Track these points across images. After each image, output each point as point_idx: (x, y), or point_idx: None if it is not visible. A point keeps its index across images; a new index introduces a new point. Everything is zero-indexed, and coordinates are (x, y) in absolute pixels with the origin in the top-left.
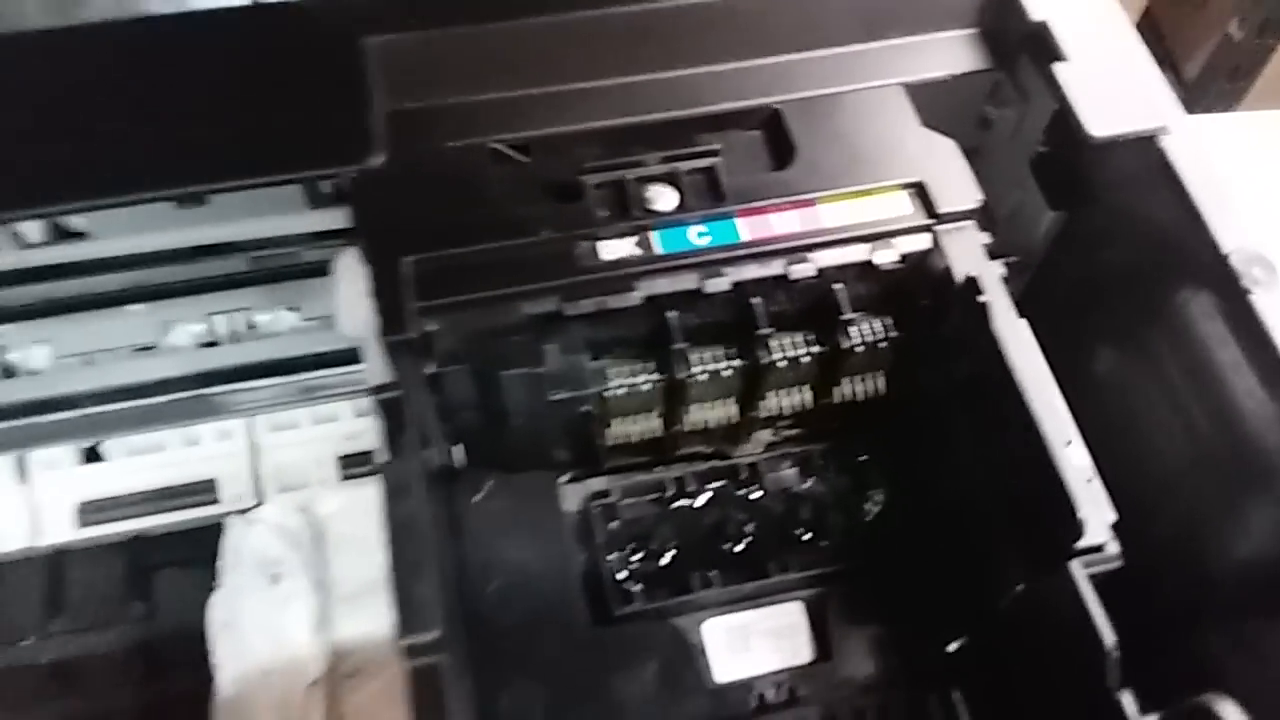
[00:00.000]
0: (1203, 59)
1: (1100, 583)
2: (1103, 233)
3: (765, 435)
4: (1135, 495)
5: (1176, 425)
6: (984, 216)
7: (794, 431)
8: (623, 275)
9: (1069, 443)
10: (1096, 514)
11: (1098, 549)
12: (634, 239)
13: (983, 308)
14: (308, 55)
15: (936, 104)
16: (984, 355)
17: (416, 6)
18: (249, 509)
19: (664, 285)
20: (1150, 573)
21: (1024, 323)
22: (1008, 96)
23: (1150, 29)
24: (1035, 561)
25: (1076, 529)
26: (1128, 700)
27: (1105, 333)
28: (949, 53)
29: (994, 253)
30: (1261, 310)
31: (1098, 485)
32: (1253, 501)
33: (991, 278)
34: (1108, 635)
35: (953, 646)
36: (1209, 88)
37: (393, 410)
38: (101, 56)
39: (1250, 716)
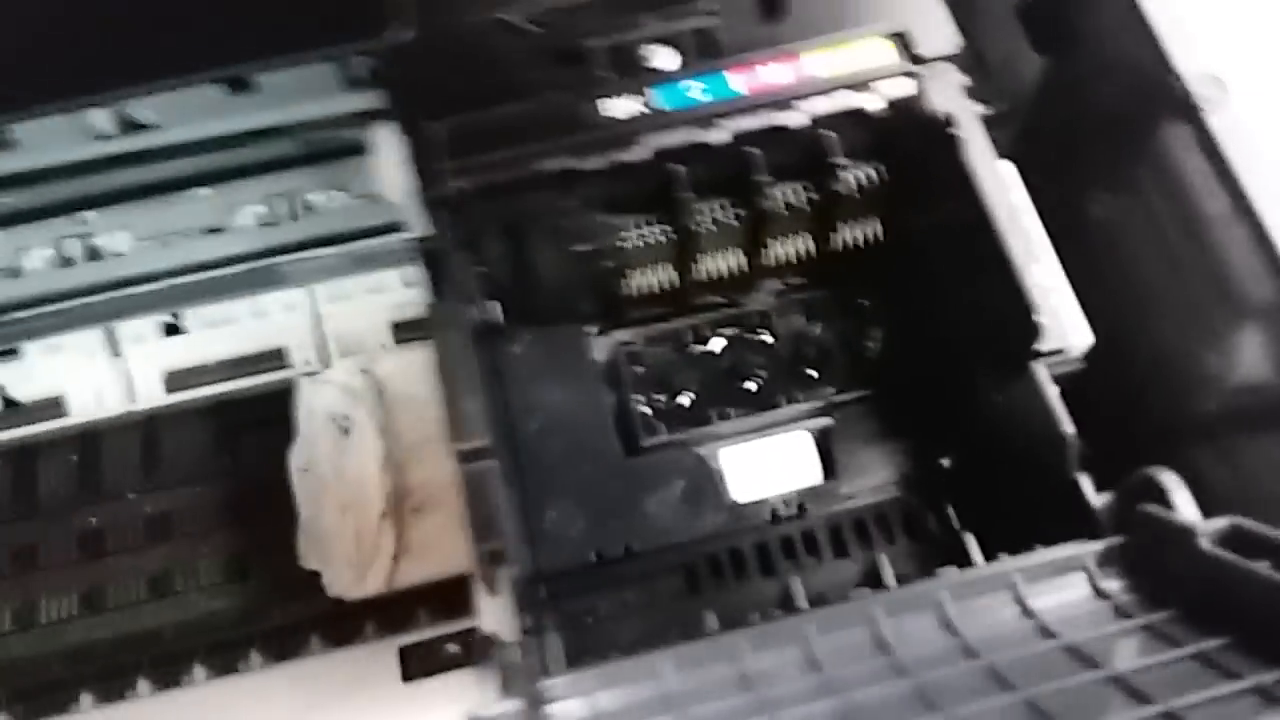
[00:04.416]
0: None
1: (1071, 391)
2: (1086, 76)
3: (774, 284)
4: (1123, 323)
5: (1163, 257)
6: (966, 61)
7: (800, 280)
8: (628, 131)
9: (1037, 260)
10: (1054, 319)
11: (1058, 352)
12: (637, 97)
13: (953, 139)
14: None
15: None
16: (959, 187)
17: None
18: (316, 372)
19: (667, 139)
20: (1136, 394)
21: (1004, 162)
22: None
23: None
24: (1006, 370)
25: (1034, 331)
26: (1085, 481)
27: (1095, 173)
28: None
29: (977, 96)
30: (1216, 129)
31: (1063, 299)
32: (1229, 326)
33: (967, 116)
34: (1067, 425)
35: (945, 462)
36: None
37: (435, 259)
38: None
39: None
